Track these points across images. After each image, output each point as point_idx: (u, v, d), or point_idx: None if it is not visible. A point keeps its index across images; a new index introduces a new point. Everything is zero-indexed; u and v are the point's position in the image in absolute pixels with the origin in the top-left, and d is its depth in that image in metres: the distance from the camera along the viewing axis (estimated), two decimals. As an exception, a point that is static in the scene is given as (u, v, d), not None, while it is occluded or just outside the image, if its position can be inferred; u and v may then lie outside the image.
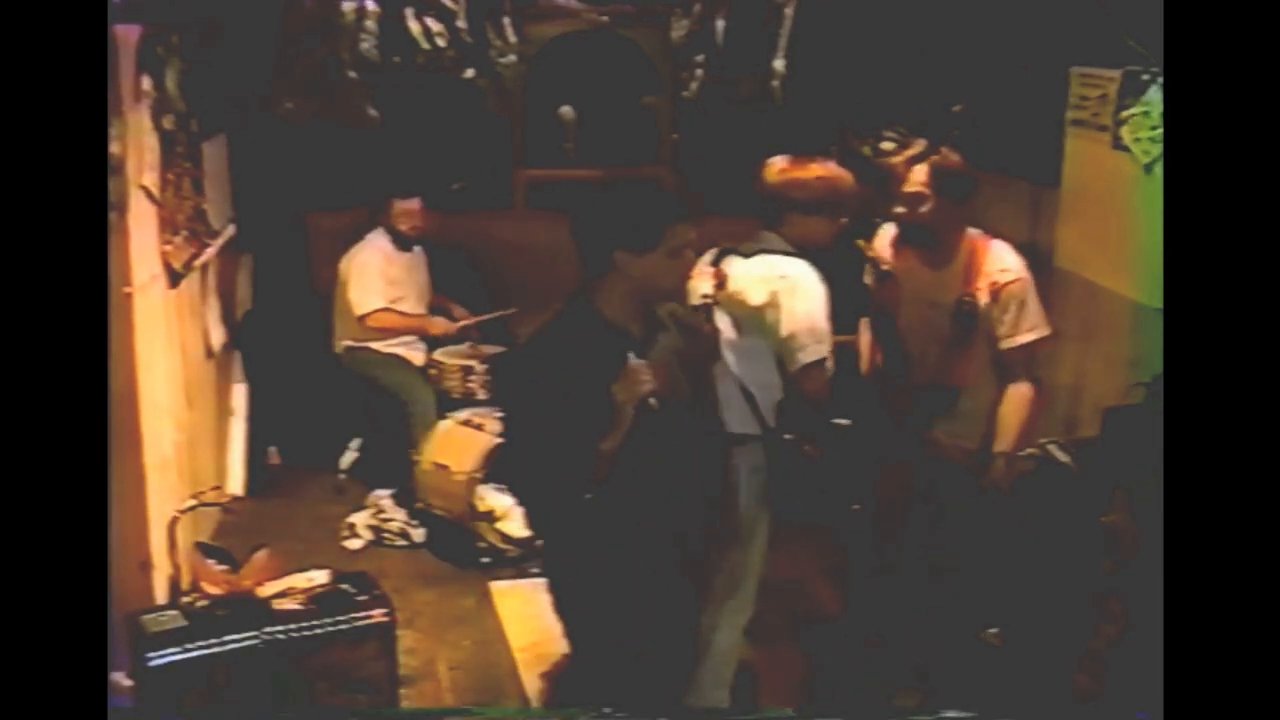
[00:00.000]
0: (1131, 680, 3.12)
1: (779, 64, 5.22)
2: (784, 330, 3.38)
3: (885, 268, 3.83)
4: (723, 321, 3.43)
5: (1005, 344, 3.63)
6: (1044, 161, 4.49)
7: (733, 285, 3.44)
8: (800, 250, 3.47)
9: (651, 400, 2.64)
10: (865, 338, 4.01)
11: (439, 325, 5.51)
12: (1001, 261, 3.65)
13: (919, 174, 3.61)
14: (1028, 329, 3.63)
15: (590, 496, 2.63)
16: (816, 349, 3.38)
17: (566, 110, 6.07)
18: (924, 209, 3.63)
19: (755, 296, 3.41)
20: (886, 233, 3.86)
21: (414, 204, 5.45)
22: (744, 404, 3.46)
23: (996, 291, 3.61)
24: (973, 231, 3.70)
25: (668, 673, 2.88)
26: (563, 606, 2.93)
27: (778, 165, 3.54)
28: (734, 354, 3.44)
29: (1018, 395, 3.65)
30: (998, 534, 4.01)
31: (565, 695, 3.06)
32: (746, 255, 3.49)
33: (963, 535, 3.90)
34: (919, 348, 3.75)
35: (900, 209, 3.66)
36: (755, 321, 3.42)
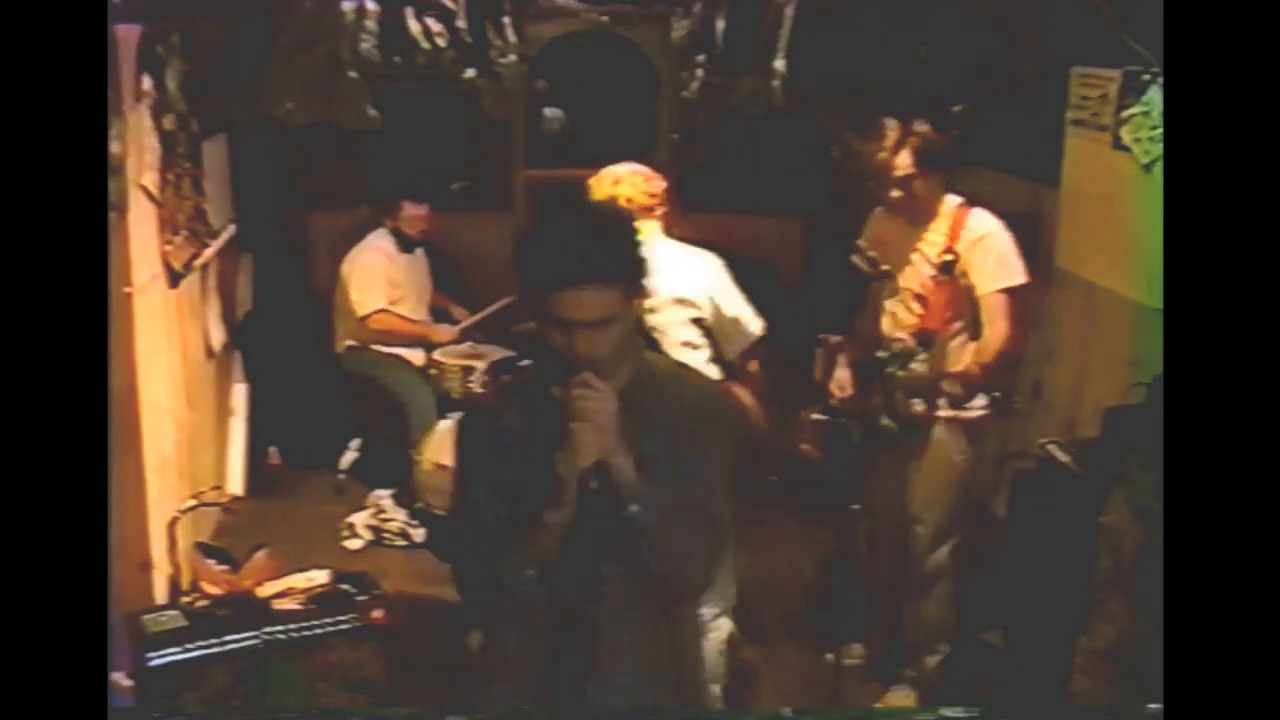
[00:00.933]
0: (1132, 680, 3.12)
1: (779, 64, 5.23)
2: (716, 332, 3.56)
3: (885, 267, 3.86)
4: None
5: (984, 289, 3.70)
6: (1044, 161, 4.49)
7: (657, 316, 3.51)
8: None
9: (593, 485, 2.11)
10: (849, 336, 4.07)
11: (441, 334, 5.51)
12: (983, 221, 3.76)
13: (904, 158, 3.70)
14: (1008, 275, 3.71)
15: (531, 573, 2.14)
16: (745, 337, 3.58)
17: (552, 111, 6.08)
18: (915, 186, 3.73)
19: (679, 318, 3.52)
20: (877, 218, 3.94)
21: (423, 209, 5.47)
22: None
23: (977, 241, 3.71)
24: (954, 197, 3.76)
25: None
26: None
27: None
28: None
29: (992, 335, 3.71)
30: (998, 534, 4.01)
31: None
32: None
33: (962, 535, 3.91)
34: (903, 312, 3.81)
35: (895, 192, 3.73)
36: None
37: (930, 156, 3.69)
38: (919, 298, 3.79)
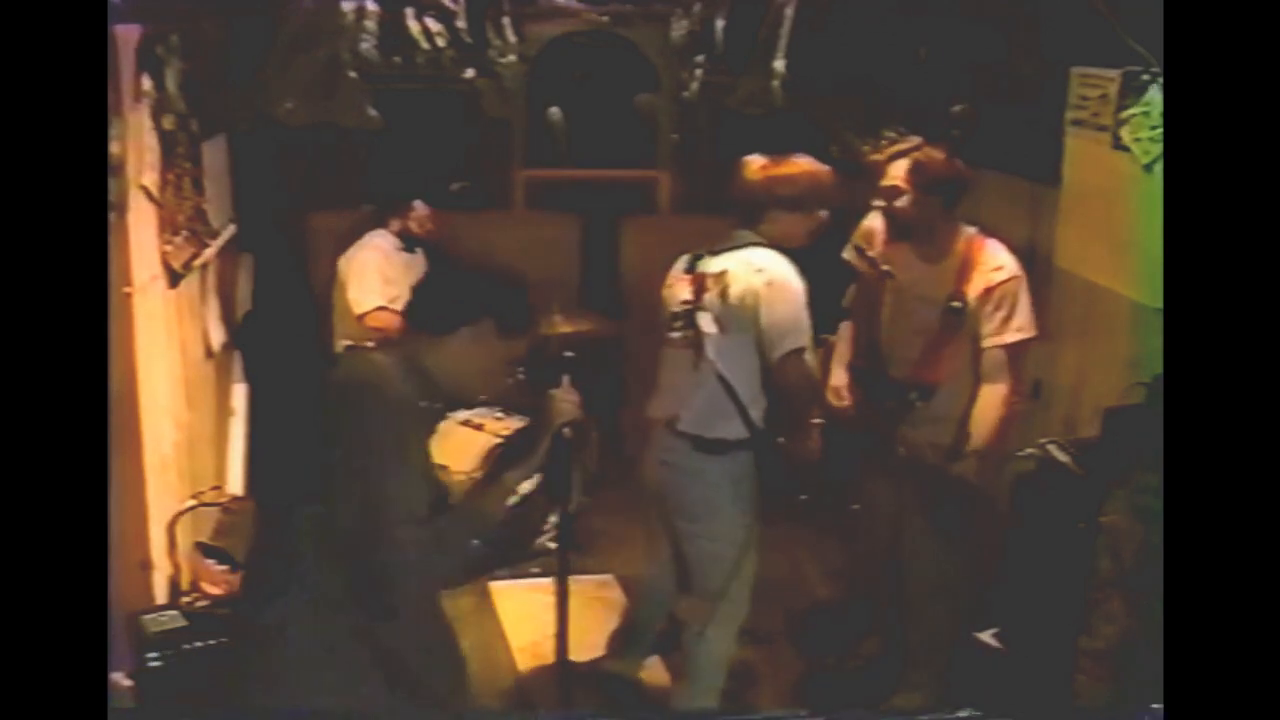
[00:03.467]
0: (1132, 680, 3.12)
1: (779, 64, 5.22)
2: (764, 322, 3.40)
3: (885, 268, 3.84)
4: (705, 321, 3.45)
5: (989, 342, 3.64)
6: (1044, 161, 4.49)
7: (712, 284, 3.47)
8: (776, 247, 3.50)
9: (565, 430, 2.52)
10: (846, 334, 4.03)
11: None
12: (996, 260, 3.66)
13: (898, 168, 3.64)
14: (1015, 329, 3.65)
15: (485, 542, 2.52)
16: (795, 338, 3.42)
17: (554, 111, 6.07)
18: (900, 203, 3.65)
19: (734, 292, 3.43)
20: (877, 227, 3.88)
21: (432, 211, 5.47)
22: (728, 405, 3.47)
23: (990, 290, 3.62)
24: (969, 229, 3.71)
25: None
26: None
27: (757, 163, 3.59)
28: (717, 351, 3.46)
29: (993, 395, 3.66)
30: (997, 534, 4.01)
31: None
32: (718, 254, 3.52)
33: (963, 535, 3.91)
34: (902, 342, 3.76)
35: (878, 201, 3.69)
36: (736, 316, 3.44)
37: (929, 179, 3.60)
38: (920, 334, 3.73)
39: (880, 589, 4.12)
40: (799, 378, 3.47)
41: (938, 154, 3.64)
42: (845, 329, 4.07)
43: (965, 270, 3.65)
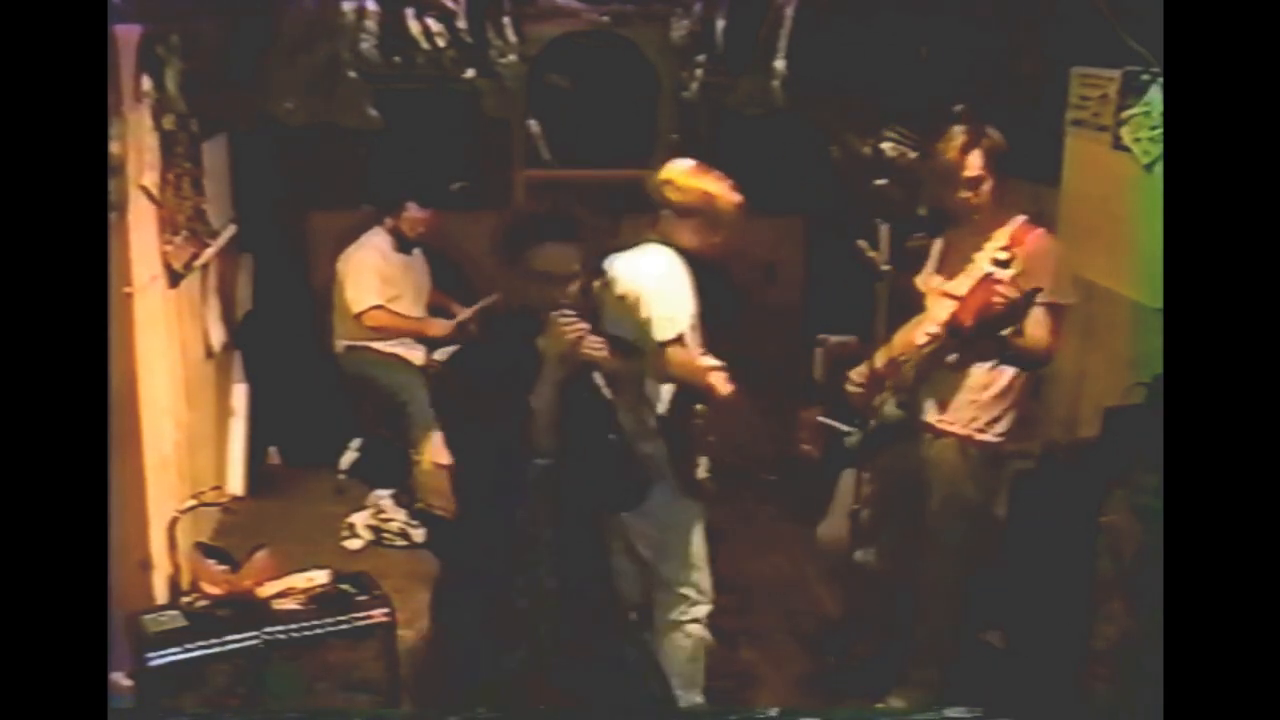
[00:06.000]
0: (1132, 680, 3.12)
1: (779, 64, 5.22)
2: (642, 315, 3.53)
3: (886, 268, 3.85)
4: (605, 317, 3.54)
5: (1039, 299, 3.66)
6: (1044, 161, 4.49)
7: (603, 285, 3.56)
8: (673, 247, 3.63)
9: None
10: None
11: (435, 327, 5.52)
12: (1043, 240, 3.71)
13: (975, 158, 3.66)
14: (1057, 293, 3.64)
15: (541, 463, 2.65)
16: (665, 329, 3.52)
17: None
18: (985, 188, 3.68)
19: (617, 291, 3.56)
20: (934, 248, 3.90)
21: (426, 213, 5.47)
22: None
23: (1034, 254, 3.63)
24: (1019, 216, 3.73)
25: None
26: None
27: (679, 166, 3.72)
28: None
29: (1036, 335, 3.67)
30: (997, 535, 4.01)
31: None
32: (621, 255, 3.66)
33: (963, 535, 3.91)
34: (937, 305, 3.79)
35: (966, 194, 3.69)
36: (618, 313, 3.54)
37: (1000, 161, 3.66)
38: (953, 296, 3.74)
39: (879, 583, 4.11)
40: (676, 367, 3.55)
41: (998, 135, 3.67)
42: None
43: (1015, 241, 3.69)
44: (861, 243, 3.99)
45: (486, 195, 6.11)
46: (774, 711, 1.94)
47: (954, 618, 3.92)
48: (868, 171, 4.97)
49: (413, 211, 5.43)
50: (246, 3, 4.98)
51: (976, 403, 3.75)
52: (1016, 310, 3.57)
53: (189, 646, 3.37)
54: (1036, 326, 3.66)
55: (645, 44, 5.89)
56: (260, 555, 3.78)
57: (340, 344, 5.51)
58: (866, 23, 5.06)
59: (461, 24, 5.24)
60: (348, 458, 5.60)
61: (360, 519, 5.19)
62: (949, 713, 1.98)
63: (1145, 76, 3.89)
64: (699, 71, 5.54)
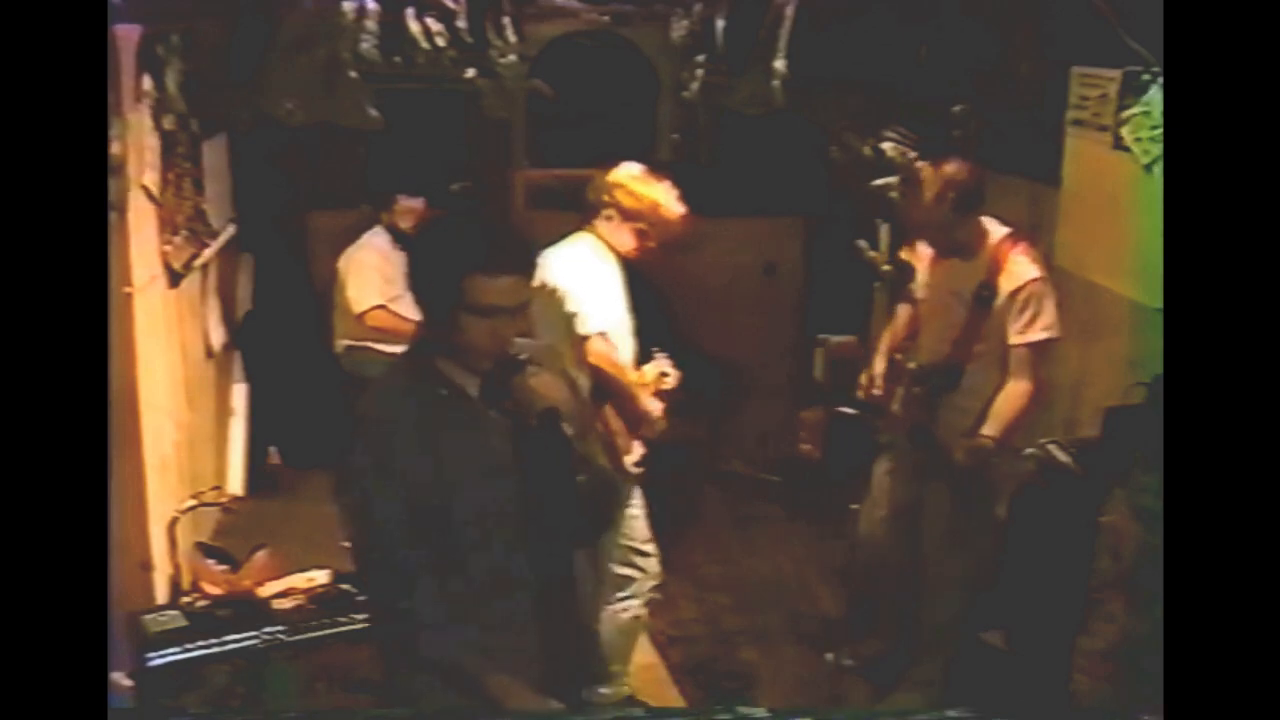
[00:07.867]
0: (1132, 681, 3.12)
1: (779, 64, 5.22)
2: (565, 309, 3.59)
3: (886, 268, 3.86)
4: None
5: (1016, 339, 3.69)
6: (1044, 161, 4.49)
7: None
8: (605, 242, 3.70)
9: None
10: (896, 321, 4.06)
11: None
12: (1021, 267, 3.75)
13: (947, 207, 3.68)
14: (1041, 328, 3.69)
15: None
16: (582, 324, 3.59)
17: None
18: (959, 232, 3.75)
19: (545, 281, 3.56)
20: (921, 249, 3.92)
21: (418, 202, 5.46)
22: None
23: (1017, 290, 3.68)
24: (1002, 229, 3.75)
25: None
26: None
27: (630, 170, 3.79)
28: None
29: (1016, 390, 3.72)
30: (997, 534, 4.01)
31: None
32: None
33: (963, 535, 3.91)
34: (934, 335, 3.81)
35: (946, 238, 3.72)
36: (547, 308, 3.55)
37: (966, 197, 3.70)
38: (952, 326, 3.79)
39: (884, 586, 4.12)
40: (595, 358, 3.59)
41: (958, 170, 3.73)
42: (902, 311, 4.10)
43: (995, 268, 3.72)
44: (861, 243, 4.00)
45: (486, 195, 6.13)
46: (763, 712, 1.93)
47: (955, 618, 3.93)
48: (868, 171, 4.96)
49: (404, 203, 5.43)
50: (246, 3, 4.98)
51: (976, 405, 3.76)
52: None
53: (189, 646, 3.37)
54: (1019, 370, 3.70)
55: (645, 44, 5.90)
56: (260, 555, 3.78)
57: (341, 344, 5.51)
58: (866, 23, 5.06)
59: (461, 24, 5.24)
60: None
61: (360, 519, 5.19)
62: (948, 713, 1.97)
63: (1145, 76, 3.89)
64: (699, 71, 5.55)
